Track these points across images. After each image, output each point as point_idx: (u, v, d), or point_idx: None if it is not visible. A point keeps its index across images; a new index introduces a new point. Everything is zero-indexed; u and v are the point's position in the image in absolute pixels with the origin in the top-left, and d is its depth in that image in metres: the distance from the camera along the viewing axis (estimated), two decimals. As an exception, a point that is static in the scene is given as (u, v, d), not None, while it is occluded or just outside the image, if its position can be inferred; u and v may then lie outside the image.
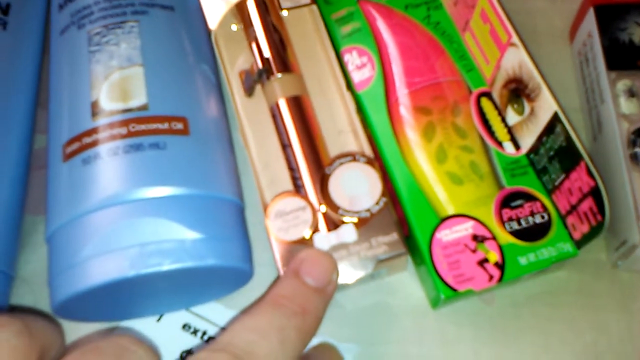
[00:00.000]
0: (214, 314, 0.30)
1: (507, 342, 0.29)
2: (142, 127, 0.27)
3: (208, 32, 0.34)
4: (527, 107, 0.30)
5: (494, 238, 0.29)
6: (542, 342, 0.29)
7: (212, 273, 0.27)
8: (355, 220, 0.28)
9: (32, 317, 0.20)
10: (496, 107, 0.32)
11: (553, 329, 0.30)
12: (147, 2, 0.31)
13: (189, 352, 0.29)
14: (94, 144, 0.27)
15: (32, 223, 0.32)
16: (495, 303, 0.30)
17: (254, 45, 0.32)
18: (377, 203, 0.28)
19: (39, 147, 0.34)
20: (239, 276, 0.28)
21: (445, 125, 0.31)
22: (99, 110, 0.28)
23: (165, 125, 0.28)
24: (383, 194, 0.28)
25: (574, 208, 0.28)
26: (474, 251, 0.28)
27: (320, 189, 0.28)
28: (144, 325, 0.30)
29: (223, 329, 0.30)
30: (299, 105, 0.30)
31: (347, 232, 0.28)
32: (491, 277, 0.28)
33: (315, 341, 0.29)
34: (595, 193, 0.26)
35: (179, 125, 0.28)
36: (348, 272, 0.27)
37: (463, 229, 0.29)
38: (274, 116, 0.31)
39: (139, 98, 0.28)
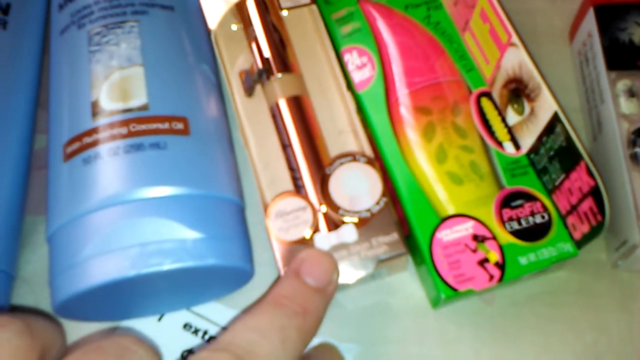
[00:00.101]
0: (215, 313, 0.30)
1: (508, 342, 0.29)
2: (143, 127, 0.27)
3: (208, 32, 0.34)
4: (527, 107, 0.30)
5: (494, 238, 0.29)
6: (543, 342, 0.29)
7: (212, 273, 0.27)
8: (356, 220, 0.28)
9: (33, 317, 0.20)
10: (496, 107, 0.32)
11: (553, 328, 0.30)
12: (147, 2, 0.31)
13: (190, 352, 0.29)
14: (94, 143, 0.27)
15: (32, 223, 0.32)
16: (495, 303, 0.30)
17: (254, 45, 0.32)
18: (377, 203, 0.28)
19: (39, 147, 0.34)
20: (240, 276, 0.28)
21: (446, 125, 0.31)
22: (99, 110, 0.28)
23: (166, 125, 0.28)
24: (383, 194, 0.28)
25: (574, 208, 0.28)
26: (474, 251, 0.28)
27: (320, 189, 0.28)
28: (145, 325, 0.30)
29: (224, 329, 0.30)
30: (299, 105, 0.30)
31: (348, 232, 0.28)
32: (491, 277, 0.28)
33: (315, 341, 0.29)
34: (595, 193, 0.26)
35: (180, 125, 0.28)
36: (348, 272, 0.27)
37: (463, 229, 0.29)
38: (274, 116, 0.31)
39: (139, 98, 0.28)
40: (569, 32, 0.38)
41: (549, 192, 0.30)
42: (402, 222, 0.30)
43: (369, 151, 0.30)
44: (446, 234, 0.29)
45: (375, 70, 0.33)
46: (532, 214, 0.29)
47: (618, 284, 0.31)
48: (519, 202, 0.30)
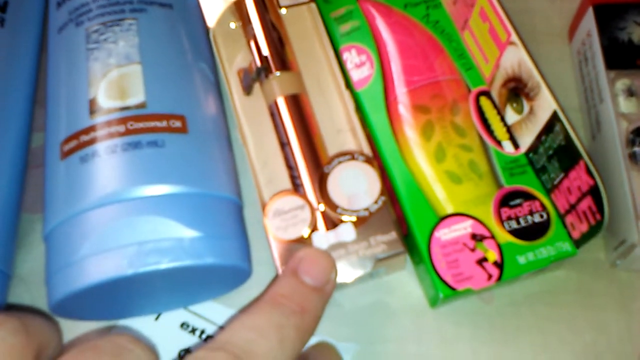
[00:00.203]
0: (213, 312, 0.30)
1: (506, 341, 0.29)
2: (140, 125, 0.27)
3: (206, 30, 0.34)
4: (526, 106, 0.30)
5: (492, 237, 0.29)
6: (541, 341, 0.29)
7: (210, 272, 0.26)
8: (354, 219, 0.28)
9: (29, 316, 0.20)
10: (495, 106, 0.32)
11: (552, 328, 0.30)
12: (145, 0, 0.31)
13: (187, 351, 0.29)
14: (91, 141, 0.27)
15: (29, 221, 0.32)
16: (494, 302, 0.30)
17: (252, 44, 0.32)
18: (375, 202, 0.28)
19: (37, 146, 0.34)
20: (238, 275, 0.28)
21: (444, 124, 0.31)
22: (96, 108, 0.28)
23: (164, 123, 0.28)
24: (382, 193, 0.28)
25: (573, 207, 0.28)
26: (472, 250, 0.28)
27: (318, 188, 0.28)
28: (142, 324, 0.30)
29: (221, 328, 0.30)
30: (297, 104, 0.30)
31: (346, 231, 0.28)
32: (490, 276, 0.28)
33: (313, 340, 0.29)
34: (594, 192, 0.26)
35: (177, 124, 0.28)
36: (347, 271, 0.27)
37: (462, 228, 0.29)
38: (272, 114, 0.31)
39: (137, 96, 0.28)
40: (568, 31, 0.38)
41: (548, 191, 0.30)
42: (400, 221, 0.30)
43: (367, 150, 0.30)
44: (445, 233, 0.29)
45: (374, 68, 0.33)
46: (531, 213, 0.29)
47: (617, 283, 0.31)
48: (517, 201, 0.30)
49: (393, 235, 0.28)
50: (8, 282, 0.30)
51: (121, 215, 0.26)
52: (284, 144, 0.30)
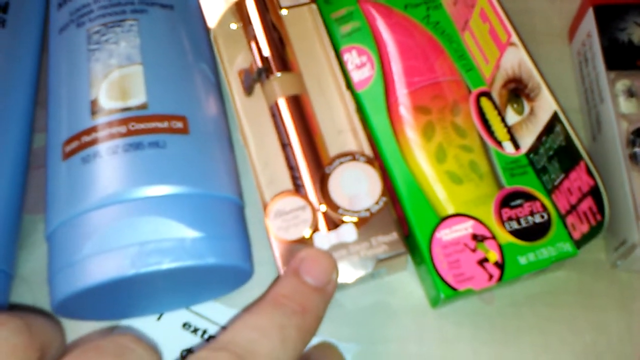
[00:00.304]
0: (214, 312, 0.30)
1: (507, 341, 0.29)
2: (142, 125, 0.27)
3: (207, 30, 0.34)
4: (526, 107, 0.30)
5: (493, 237, 0.29)
6: (542, 342, 0.29)
7: (212, 272, 0.27)
8: (355, 219, 0.28)
9: (32, 316, 0.20)
10: (496, 106, 0.32)
11: (552, 328, 0.30)
12: (146, 1, 0.31)
13: (189, 351, 0.29)
14: (93, 142, 0.27)
15: (31, 222, 0.32)
16: (494, 302, 0.30)
17: (253, 44, 0.32)
18: (376, 202, 0.28)
19: (38, 146, 0.34)
20: (239, 275, 0.28)
21: (445, 125, 0.31)
22: (98, 109, 0.28)
23: (165, 124, 0.28)
24: (383, 194, 0.28)
25: (573, 208, 0.28)
26: (473, 250, 0.28)
27: (320, 189, 0.28)
28: (144, 324, 0.30)
29: (223, 328, 0.30)
30: (298, 105, 0.30)
31: (347, 232, 0.28)
32: (491, 277, 0.28)
33: (315, 340, 0.29)
34: (594, 192, 0.26)
35: (179, 124, 0.28)
36: (348, 272, 0.27)
37: (463, 229, 0.29)
38: (273, 115, 0.31)
39: (138, 97, 0.28)
40: (568, 32, 0.38)
41: (549, 192, 0.30)
42: (401, 221, 0.30)
43: (368, 150, 0.30)
44: (446, 234, 0.29)
45: (375, 69, 0.33)
46: (532, 213, 0.29)
47: (617, 283, 0.31)
48: (518, 201, 0.30)
49: (394, 235, 0.28)
50: (10, 282, 0.30)
51: (123, 215, 0.26)
52: (285, 145, 0.30)
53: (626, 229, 0.29)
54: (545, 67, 0.33)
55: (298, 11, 0.34)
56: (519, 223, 0.29)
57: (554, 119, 0.28)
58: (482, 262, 0.28)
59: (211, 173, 0.28)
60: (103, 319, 0.30)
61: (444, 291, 0.28)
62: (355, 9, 0.35)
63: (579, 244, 0.28)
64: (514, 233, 0.29)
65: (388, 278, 0.31)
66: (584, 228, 0.27)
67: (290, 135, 0.30)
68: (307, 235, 0.28)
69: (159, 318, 0.30)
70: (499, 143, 0.31)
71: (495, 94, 0.32)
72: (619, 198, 0.29)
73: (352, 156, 0.29)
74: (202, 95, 0.31)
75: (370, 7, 0.35)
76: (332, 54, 0.33)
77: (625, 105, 0.31)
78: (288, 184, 0.30)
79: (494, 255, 0.28)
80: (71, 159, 0.27)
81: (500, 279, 0.28)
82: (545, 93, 0.28)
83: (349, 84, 0.33)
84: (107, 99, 0.28)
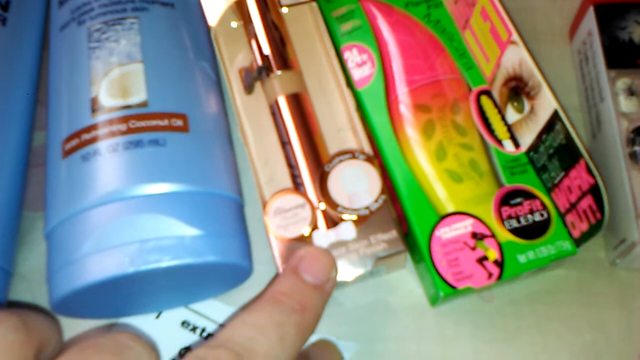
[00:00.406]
0: (213, 311, 0.30)
1: (506, 340, 0.29)
2: (142, 123, 0.27)
3: (208, 29, 0.34)
4: (526, 105, 0.30)
5: (493, 236, 0.29)
6: (541, 341, 0.29)
7: (211, 270, 0.27)
8: (355, 217, 0.28)
9: (29, 313, 0.20)
10: (496, 105, 0.32)
11: (552, 327, 0.30)
12: (147, -1, 0.31)
13: (187, 349, 0.29)
14: (93, 140, 0.27)
15: (30, 220, 0.32)
16: (494, 301, 0.30)
17: (253, 43, 0.32)
18: (376, 201, 0.28)
19: (38, 144, 0.34)
20: (238, 273, 0.28)
21: (445, 123, 0.31)
22: (98, 107, 0.28)
23: (165, 122, 0.28)
24: (382, 192, 0.28)
25: (573, 206, 0.28)
26: (473, 249, 0.28)
27: (319, 187, 0.28)
28: (143, 322, 0.30)
29: (222, 326, 0.30)
30: (298, 103, 0.30)
31: (346, 230, 0.28)
32: (490, 275, 0.28)
33: (313, 338, 0.29)
34: (594, 191, 0.26)
35: (179, 122, 0.28)
36: (347, 270, 0.27)
37: (462, 227, 0.29)
38: (273, 113, 0.31)
39: (138, 95, 0.28)
40: (569, 31, 0.38)
41: (548, 190, 0.30)
42: (401, 219, 0.30)
43: (368, 149, 0.30)
44: (445, 232, 0.29)
45: (375, 68, 0.33)
46: (531, 212, 0.29)
47: (617, 282, 0.31)
48: (518, 200, 0.30)
49: (393, 233, 0.28)
50: (9, 280, 0.30)
51: (122, 213, 0.26)
52: (285, 143, 0.30)
53: (626, 227, 0.29)
54: (546, 65, 0.33)
55: (298, 9, 0.34)
56: (519, 221, 0.29)
57: (554, 118, 0.28)
58: (482, 260, 0.28)
59: (211, 171, 0.28)
60: (102, 317, 0.30)
61: (443, 289, 0.28)
62: (356, 7, 0.35)
63: (578, 242, 0.28)
64: (514, 231, 0.29)
65: (387, 276, 0.31)
66: (584, 226, 0.27)
67: (290, 133, 0.30)
68: (306, 233, 0.28)
69: (157, 316, 0.30)
70: (499, 141, 0.31)
71: (495, 93, 0.32)
72: (618, 196, 0.29)
73: (351, 154, 0.29)
74: (203, 94, 0.31)
75: (370, 5, 0.35)
76: (332, 52, 0.33)
77: (626, 103, 0.31)
78: (288, 182, 0.30)
79: (493, 254, 0.28)
80: (71, 157, 0.27)
81: (499, 277, 0.28)
82: (545, 91, 0.28)
83: (349, 82, 0.33)
84: (108, 97, 0.28)
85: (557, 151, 0.28)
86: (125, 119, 0.27)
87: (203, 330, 0.30)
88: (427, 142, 0.31)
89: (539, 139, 0.29)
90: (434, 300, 0.29)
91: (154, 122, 0.28)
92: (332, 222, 0.28)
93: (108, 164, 0.27)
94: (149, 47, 0.30)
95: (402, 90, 0.32)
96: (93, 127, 0.27)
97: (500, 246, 0.29)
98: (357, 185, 0.28)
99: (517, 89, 0.30)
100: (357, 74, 0.33)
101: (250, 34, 0.32)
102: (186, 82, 0.30)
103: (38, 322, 0.20)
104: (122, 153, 0.27)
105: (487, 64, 0.32)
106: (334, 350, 0.28)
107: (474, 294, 0.30)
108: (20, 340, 0.19)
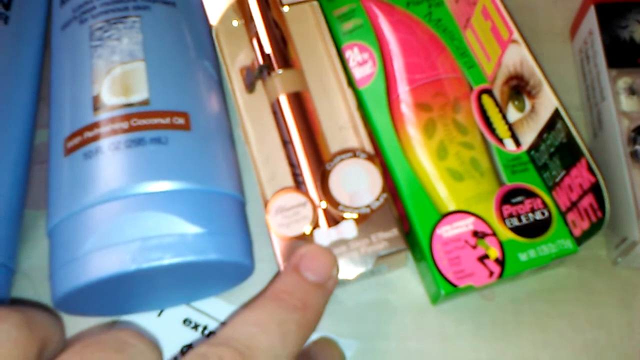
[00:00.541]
0: (215, 309, 0.30)
1: (507, 338, 0.30)
2: (144, 121, 0.28)
3: (209, 27, 0.34)
4: (527, 104, 0.30)
5: (494, 234, 0.29)
6: (542, 339, 0.29)
7: (213, 268, 0.27)
8: (356, 216, 0.28)
9: (32, 310, 0.20)
10: (497, 104, 0.32)
11: (553, 325, 0.30)
12: (148, -2, 0.31)
13: (189, 347, 0.29)
14: (95, 138, 0.27)
15: (33, 217, 0.32)
16: (495, 299, 0.30)
17: (254, 41, 0.32)
18: (377, 199, 0.28)
19: (40, 142, 0.34)
20: (240, 271, 0.28)
21: (446, 122, 0.31)
22: (100, 105, 0.28)
23: (167, 120, 0.28)
24: (383, 190, 0.28)
25: (574, 204, 0.28)
26: (474, 247, 0.29)
27: (320, 185, 0.29)
28: (145, 320, 0.30)
29: (223, 324, 0.30)
30: (299, 101, 0.31)
31: (348, 228, 0.28)
32: (491, 273, 0.28)
33: (315, 336, 0.29)
34: (595, 189, 0.26)
35: (181, 120, 0.28)
36: (348, 268, 0.27)
37: (463, 225, 0.29)
38: (274, 112, 0.31)
39: (140, 93, 0.28)
40: (570, 30, 0.38)
41: (549, 189, 0.30)
42: (402, 218, 0.30)
43: (369, 147, 0.30)
44: (446, 230, 0.29)
45: (377, 66, 0.33)
46: (532, 210, 0.29)
47: (618, 280, 0.31)
48: (519, 198, 0.30)
49: (394, 232, 0.28)
50: (12, 277, 0.30)
51: (124, 211, 0.26)
52: (286, 142, 0.30)
53: (627, 226, 0.29)
54: (547, 64, 0.33)
55: (300, 8, 0.34)
56: (520, 220, 0.29)
57: (555, 116, 0.28)
58: (483, 258, 0.28)
59: (213, 169, 0.28)
60: (104, 314, 0.30)
61: (444, 288, 0.28)
62: (357, 6, 0.35)
63: (579, 240, 0.28)
64: (515, 230, 0.29)
65: (388, 274, 0.31)
66: (585, 225, 0.27)
67: (292, 132, 0.30)
68: (307, 232, 0.28)
69: (159, 314, 0.30)
70: (500, 140, 0.31)
71: (496, 91, 0.32)
72: (619, 195, 0.29)
73: (352, 153, 0.29)
74: (204, 92, 0.31)
75: (372, 4, 0.35)
76: (333, 51, 0.33)
77: (627, 102, 0.31)
78: (289, 180, 0.30)
79: (494, 252, 0.28)
80: (73, 155, 0.27)
81: (500, 275, 0.28)
82: (546, 90, 0.28)
83: (351, 81, 0.33)
84: (110, 95, 0.28)
85: (558, 150, 0.28)
86: (127, 117, 0.28)
87: (205, 328, 0.30)
88: (428, 140, 0.31)
89: (540, 137, 0.30)
90: (435, 299, 0.29)
91: (155, 121, 0.28)
92: (334, 221, 0.28)
93: (110, 162, 0.27)
94: (150, 46, 0.30)
95: (403, 89, 0.32)
96: (95, 125, 0.28)
97: (501, 244, 0.29)
98: (358, 183, 0.29)
99: (518, 88, 0.30)
100: (358, 73, 0.33)
101: (252, 32, 0.32)
102: (188, 81, 0.30)
103: (41, 319, 0.20)
104: (124, 151, 0.27)
105: (488, 63, 0.32)
106: (335, 348, 0.28)
107: (475, 292, 0.30)
108: (23, 338, 0.19)
